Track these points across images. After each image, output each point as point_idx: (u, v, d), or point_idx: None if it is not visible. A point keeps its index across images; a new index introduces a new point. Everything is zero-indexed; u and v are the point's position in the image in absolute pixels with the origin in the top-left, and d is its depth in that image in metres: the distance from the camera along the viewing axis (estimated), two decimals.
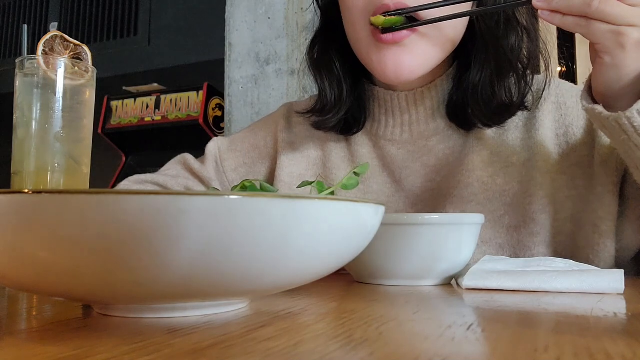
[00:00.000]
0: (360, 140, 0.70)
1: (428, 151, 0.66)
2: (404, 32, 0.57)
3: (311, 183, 0.42)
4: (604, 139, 0.60)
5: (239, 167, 0.75)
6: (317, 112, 0.69)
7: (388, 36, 0.57)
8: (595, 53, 0.50)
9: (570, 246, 0.61)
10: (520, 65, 0.63)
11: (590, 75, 0.53)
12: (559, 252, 0.60)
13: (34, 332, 0.29)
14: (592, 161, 0.61)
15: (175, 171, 0.76)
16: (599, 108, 0.50)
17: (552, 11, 0.47)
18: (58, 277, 0.27)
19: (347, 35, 0.64)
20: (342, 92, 0.67)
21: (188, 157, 0.78)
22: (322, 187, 0.42)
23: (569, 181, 0.61)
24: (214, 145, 0.77)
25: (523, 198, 0.61)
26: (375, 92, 0.68)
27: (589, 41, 0.50)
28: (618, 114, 0.48)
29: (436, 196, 0.65)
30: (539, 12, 0.48)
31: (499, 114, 0.63)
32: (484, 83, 0.62)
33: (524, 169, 0.62)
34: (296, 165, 0.72)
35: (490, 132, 0.65)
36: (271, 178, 0.74)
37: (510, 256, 0.60)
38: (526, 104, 0.64)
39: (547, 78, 0.64)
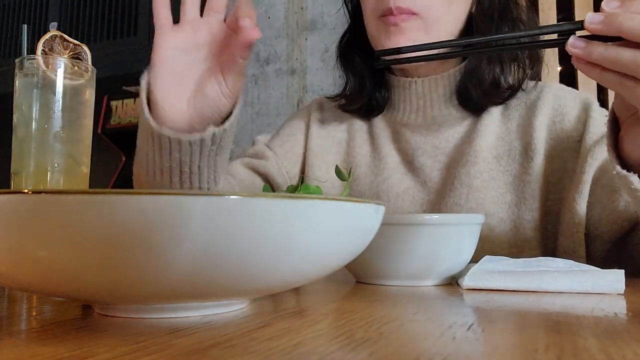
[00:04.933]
0: (381, 125, 0.77)
1: (440, 135, 0.72)
2: (404, 15, 0.65)
3: (297, 188, 0.43)
4: (593, 133, 0.65)
5: (284, 144, 0.81)
6: (345, 96, 0.79)
7: (390, 19, 0.66)
8: (632, 117, 0.43)
9: (556, 225, 0.66)
10: (512, 54, 0.70)
11: (614, 132, 0.47)
12: (548, 229, 0.66)
13: (33, 332, 0.29)
14: (579, 148, 0.66)
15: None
16: (636, 182, 0.45)
17: (590, 63, 0.39)
18: (58, 277, 0.27)
19: (367, 30, 0.73)
20: (364, 81, 0.76)
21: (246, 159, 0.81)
22: (308, 190, 0.42)
23: (561, 164, 0.67)
24: (261, 140, 0.83)
25: (522, 178, 0.67)
26: (395, 81, 0.76)
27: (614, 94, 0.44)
28: None
29: (445, 174, 0.71)
30: (573, 59, 0.40)
31: (496, 95, 0.70)
32: (478, 69, 0.70)
33: (524, 152, 0.69)
34: (323, 140, 0.80)
35: (496, 120, 0.71)
36: (305, 147, 0.80)
37: (510, 228, 0.66)
38: (522, 86, 0.71)
39: (541, 66, 0.72)
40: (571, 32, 0.41)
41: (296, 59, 1.66)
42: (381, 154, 0.74)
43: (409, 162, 0.73)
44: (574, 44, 0.39)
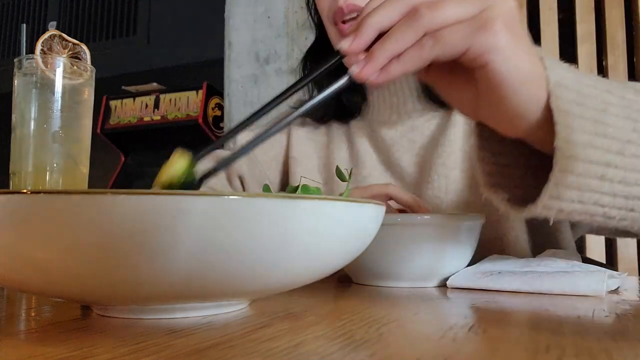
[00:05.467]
0: (358, 125, 0.77)
1: (414, 129, 0.72)
2: (354, 22, 0.63)
3: (297, 188, 0.43)
4: None
5: (268, 152, 0.81)
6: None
7: (345, 27, 0.64)
8: (459, 85, 0.38)
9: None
10: None
11: (478, 133, 0.41)
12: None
13: (32, 333, 0.29)
14: None
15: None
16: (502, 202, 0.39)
17: (385, 68, 0.35)
18: (56, 277, 0.27)
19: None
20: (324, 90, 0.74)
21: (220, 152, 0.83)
22: (308, 191, 0.42)
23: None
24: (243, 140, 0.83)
25: None
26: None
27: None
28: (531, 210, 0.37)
29: (422, 167, 0.70)
30: (370, 81, 0.35)
31: None
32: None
33: None
34: (305, 145, 0.79)
35: None
36: (286, 155, 0.80)
37: (488, 218, 0.63)
38: None
39: None
40: (340, 63, 0.37)
41: (296, 58, 1.66)
42: (359, 153, 0.74)
43: (386, 159, 0.73)
44: (359, 70, 0.35)
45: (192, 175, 0.35)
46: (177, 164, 0.34)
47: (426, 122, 0.72)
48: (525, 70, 0.35)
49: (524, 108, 0.36)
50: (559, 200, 0.36)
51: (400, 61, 0.35)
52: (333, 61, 0.37)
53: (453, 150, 0.67)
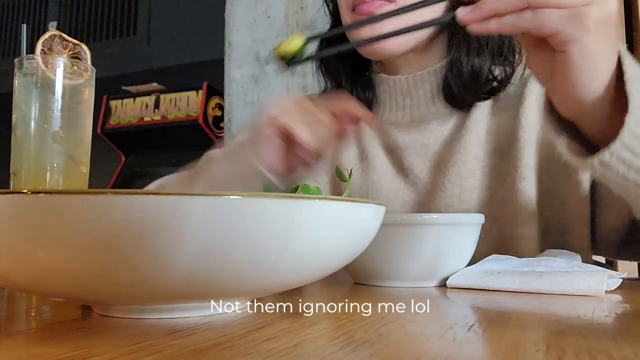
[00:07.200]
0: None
1: (428, 132, 0.70)
2: (377, 2, 0.62)
3: (296, 188, 0.43)
4: None
5: None
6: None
7: (363, 7, 0.63)
8: (543, 57, 0.42)
9: (554, 219, 0.63)
10: (495, 46, 0.67)
11: (548, 102, 0.45)
12: (542, 226, 0.64)
13: (32, 333, 0.29)
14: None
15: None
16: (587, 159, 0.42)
17: (484, 19, 0.39)
18: (57, 277, 0.27)
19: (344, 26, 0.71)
20: (341, 81, 0.74)
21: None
22: (308, 190, 0.42)
23: (551, 153, 0.64)
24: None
25: (513, 173, 0.64)
26: (379, 78, 0.73)
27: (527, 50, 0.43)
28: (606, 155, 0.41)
29: (435, 173, 0.68)
30: (470, 28, 0.40)
31: (475, 87, 0.67)
32: (457, 61, 0.67)
33: (514, 145, 0.65)
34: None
35: (486, 115, 0.68)
36: None
37: (501, 228, 0.64)
38: (510, 83, 0.68)
39: (520, 57, 0.69)
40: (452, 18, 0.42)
41: None
42: (369, 155, 0.72)
43: (398, 163, 0.70)
44: (464, 13, 0.40)
45: (302, 53, 0.45)
46: (293, 41, 0.45)
47: (439, 125, 0.70)
48: (596, 71, 0.40)
49: (582, 97, 0.41)
50: (609, 168, 0.41)
51: (499, 21, 0.39)
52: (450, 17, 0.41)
53: (468, 158, 0.66)
